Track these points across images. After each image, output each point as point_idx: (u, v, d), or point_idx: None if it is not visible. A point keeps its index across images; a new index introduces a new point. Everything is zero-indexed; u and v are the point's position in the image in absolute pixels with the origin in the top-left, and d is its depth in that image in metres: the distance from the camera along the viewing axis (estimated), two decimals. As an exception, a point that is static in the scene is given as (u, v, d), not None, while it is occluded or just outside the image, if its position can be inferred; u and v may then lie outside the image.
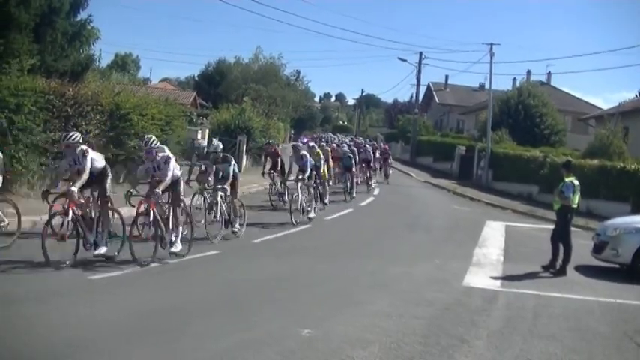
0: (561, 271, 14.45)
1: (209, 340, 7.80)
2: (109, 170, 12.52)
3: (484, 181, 38.78)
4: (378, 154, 37.81)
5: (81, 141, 11.91)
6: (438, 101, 76.41)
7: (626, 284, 13.93)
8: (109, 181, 12.42)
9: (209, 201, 15.67)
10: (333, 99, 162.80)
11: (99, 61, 36.90)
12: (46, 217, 11.74)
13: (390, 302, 10.56)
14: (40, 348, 7.14)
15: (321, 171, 21.84)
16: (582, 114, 51.99)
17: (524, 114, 48.53)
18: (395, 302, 10.59)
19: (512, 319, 10.15)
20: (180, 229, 13.05)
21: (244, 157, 33.60)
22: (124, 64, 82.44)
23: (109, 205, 12.41)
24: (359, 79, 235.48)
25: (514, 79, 62.49)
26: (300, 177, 19.29)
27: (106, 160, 18.05)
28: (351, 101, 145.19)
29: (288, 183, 21.29)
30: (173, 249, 12.57)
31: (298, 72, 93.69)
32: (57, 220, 11.40)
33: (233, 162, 16.54)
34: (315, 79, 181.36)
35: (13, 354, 6.93)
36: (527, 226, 23.40)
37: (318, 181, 21.28)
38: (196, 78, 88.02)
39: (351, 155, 27.94)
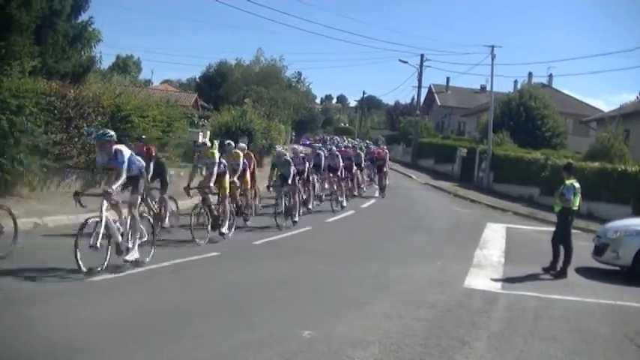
0: (562, 273, 14.44)
1: (209, 341, 7.81)
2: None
3: (485, 183, 38.78)
4: (363, 160, 30.39)
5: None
6: (439, 103, 76.37)
7: (627, 286, 13.91)
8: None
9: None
10: (334, 101, 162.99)
11: (100, 63, 36.91)
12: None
13: (391, 304, 10.56)
14: (40, 349, 7.14)
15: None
16: (583, 116, 51.97)
17: (526, 116, 48.50)
18: (396, 304, 10.58)
19: (512, 320, 10.14)
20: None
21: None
22: (125, 66, 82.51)
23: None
24: (360, 80, 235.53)
25: (515, 81, 62.68)
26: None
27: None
28: (352, 103, 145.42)
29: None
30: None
31: (299, 74, 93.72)
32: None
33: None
34: (316, 81, 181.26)
35: (13, 354, 6.94)
36: (528, 228, 23.38)
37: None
38: (197, 80, 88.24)
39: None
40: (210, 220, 15.40)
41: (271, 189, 19.56)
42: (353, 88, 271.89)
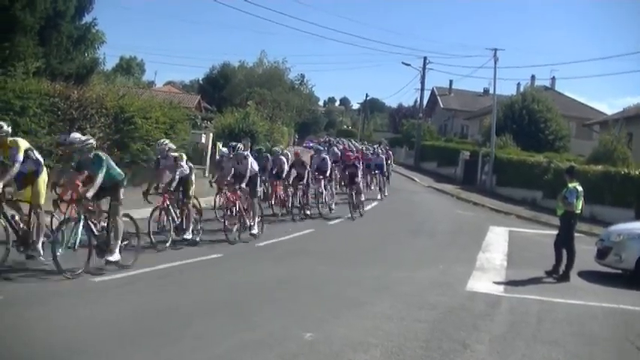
0: (564, 277, 14.42)
1: (209, 343, 7.81)
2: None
3: (488, 186, 38.73)
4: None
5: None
6: (442, 106, 76.32)
7: (630, 290, 13.88)
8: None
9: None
10: (337, 103, 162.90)
11: (104, 64, 37.06)
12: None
13: (393, 306, 10.56)
14: (39, 350, 7.15)
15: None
16: (587, 119, 51.95)
17: (529, 119, 48.46)
18: (397, 306, 10.58)
19: (515, 324, 10.13)
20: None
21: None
22: (128, 67, 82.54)
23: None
24: (363, 83, 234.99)
25: (518, 84, 62.73)
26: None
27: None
28: (355, 105, 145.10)
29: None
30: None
31: (302, 76, 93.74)
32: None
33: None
34: (319, 84, 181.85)
35: (13, 355, 6.94)
36: (531, 232, 23.36)
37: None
38: (201, 82, 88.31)
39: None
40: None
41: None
42: (356, 91, 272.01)
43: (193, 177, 15.50)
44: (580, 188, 14.86)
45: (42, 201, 11.31)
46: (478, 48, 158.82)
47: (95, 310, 8.86)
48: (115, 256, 11.23)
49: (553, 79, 64.33)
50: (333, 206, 23.09)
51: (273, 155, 22.34)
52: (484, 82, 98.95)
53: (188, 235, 14.71)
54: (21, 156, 10.72)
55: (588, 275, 15.21)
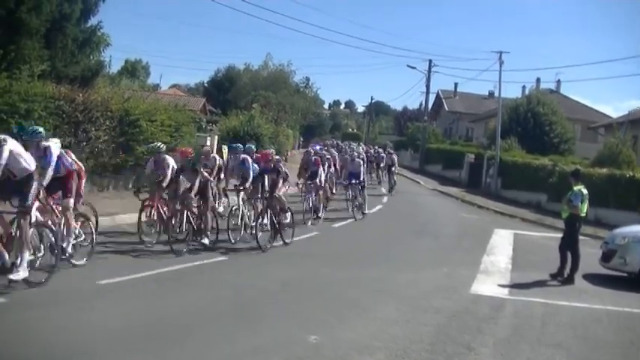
0: (569, 280, 14.42)
1: (214, 347, 7.82)
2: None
3: (493, 188, 38.71)
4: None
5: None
6: (447, 109, 76.29)
7: (634, 293, 13.85)
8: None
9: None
10: (342, 106, 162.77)
11: (109, 67, 37.17)
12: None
13: (398, 309, 10.56)
14: (42, 352, 7.17)
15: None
16: (592, 122, 51.89)
17: (534, 122, 48.41)
18: (402, 309, 10.59)
19: (519, 327, 10.14)
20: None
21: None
22: (133, 70, 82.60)
23: None
24: (368, 86, 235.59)
25: (523, 87, 62.58)
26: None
27: (115, 165, 18.25)
28: (360, 108, 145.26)
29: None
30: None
31: (308, 79, 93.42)
32: None
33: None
34: (324, 87, 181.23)
35: (15, 356, 6.95)
36: (536, 235, 23.34)
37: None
38: (206, 84, 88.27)
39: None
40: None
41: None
42: (361, 94, 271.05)
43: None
44: (585, 191, 14.85)
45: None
46: (483, 51, 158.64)
47: (99, 312, 8.87)
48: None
49: (558, 81, 64.26)
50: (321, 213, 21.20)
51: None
52: (489, 84, 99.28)
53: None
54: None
55: (593, 278, 15.21)
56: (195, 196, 14.77)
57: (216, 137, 32.04)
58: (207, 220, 14.85)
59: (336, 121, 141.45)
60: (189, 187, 14.59)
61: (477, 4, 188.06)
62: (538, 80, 62.35)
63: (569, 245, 14.76)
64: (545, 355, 8.69)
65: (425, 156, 60.16)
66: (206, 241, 14.53)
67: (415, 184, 44.26)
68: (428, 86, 64.23)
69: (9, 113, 16.37)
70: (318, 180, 20.51)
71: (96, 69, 29.65)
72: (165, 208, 14.64)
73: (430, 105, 69.64)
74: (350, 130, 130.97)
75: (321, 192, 21.45)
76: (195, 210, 14.84)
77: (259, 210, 16.16)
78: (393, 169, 36.25)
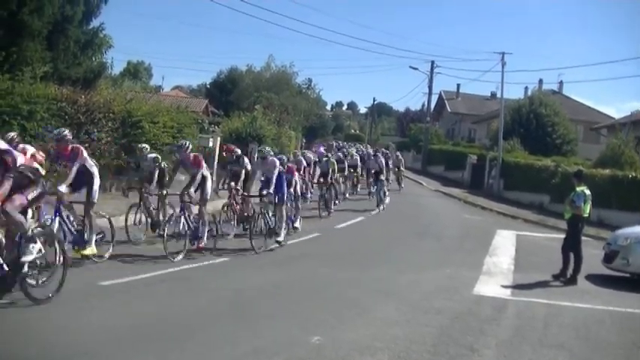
0: (572, 281, 14.41)
1: (215, 349, 7.81)
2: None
3: (495, 190, 38.67)
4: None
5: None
6: (449, 110, 76.19)
7: (637, 294, 13.82)
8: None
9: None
10: (344, 107, 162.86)
11: (111, 68, 37.21)
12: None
13: (400, 310, 10.55)
14: (42, 352, 7.16)
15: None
16: (594, 123, 51.82)
17: (536, 123, 48.33)
18: (404, 310, 10.58)
19: (521, 328, 10.12)
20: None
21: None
22: (136, 71, 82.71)
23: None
24: (370, 87, 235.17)
25: (526, 88, 62.50)
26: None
27: (117, 166, 18.32)
28: (362, 110, 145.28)
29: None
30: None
31: (310, 80, 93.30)
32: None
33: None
34: (326, 88, 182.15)
35: (15, 357, 6.94)
36: (538, 236, 23.32)
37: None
38: (208, 86, 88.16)
39: None
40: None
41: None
42: (363, 95, 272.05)
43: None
44: (588, 192, 14.84)
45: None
46: (485, 52, 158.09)
47: (99, 313, 8.88)
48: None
49: (561, 82, 64.09)
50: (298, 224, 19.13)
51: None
52: (491, 85, 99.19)
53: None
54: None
55: (595, 279, 15.19)
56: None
57: (219, 139, 32.02)
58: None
59: (339, 122, 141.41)
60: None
61: (479, 4, 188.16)
62: (540, 81, 62.38)
63: (571, 246, 14.75)
64: (547, 356, 8.67)
65: (427, 157, 60.17)
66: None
67: (418, 185, 44.26)
68: (430, 87, 64.31)
69: (11, 115, 16.43)
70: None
71: (98, 70, 29.72)
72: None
73: (432, 106, 69.56)
74: (352, 131, 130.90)
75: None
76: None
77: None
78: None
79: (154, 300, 10.12)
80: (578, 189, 14.84)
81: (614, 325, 10.93)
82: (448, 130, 76.33)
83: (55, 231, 10.70)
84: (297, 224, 18.77)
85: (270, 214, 15.86)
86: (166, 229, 13.38)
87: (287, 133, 48.48)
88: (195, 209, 14.49)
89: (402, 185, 38.29)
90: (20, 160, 8.75)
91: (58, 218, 11.23)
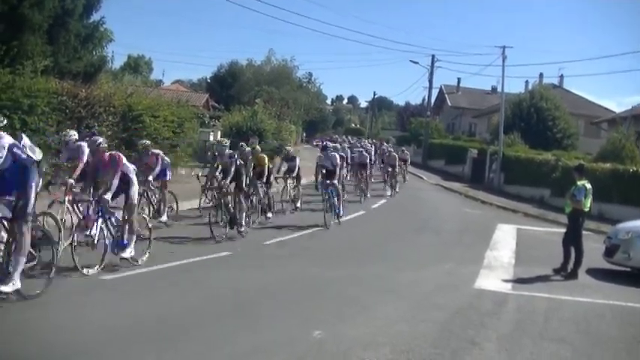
0: (572, 275, 14.40)
1: (217, 345, 7.81)
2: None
3: (496, 184, 38.70)
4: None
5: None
6: (450, 104, 76.14)
7: (638, 288, 13.83)
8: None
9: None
10: (345, 101, 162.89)
11: (111, 62, 37.24)
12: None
13: (401, 305, 10.55)
14: (41, 350, 7.15)
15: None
16: (595, 117, 51.80)
17: (537, 117, 48.33)
18: (405, 305, 10.58)
19: (522, 322, 10.12)
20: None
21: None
22: (136, 66, 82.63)
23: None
24: (371, 81, 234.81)
25: (526, 82, 62.37)
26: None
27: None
28: (363, 104, 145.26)
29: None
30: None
31: (310, 74, 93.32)
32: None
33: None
34: (327, 82, 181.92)
35: (16, 354, 6.94)
36: (539, 230, 23.31)
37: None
38: (209, 80, 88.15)
39: None
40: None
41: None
42: (364, 89, 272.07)
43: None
44: (589, 186, 14.83)
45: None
46: (486, 46, 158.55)
47: (102, 309, 8.87)
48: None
49: (561, 77, 64.10)
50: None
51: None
52: (492, 80, 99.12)
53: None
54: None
55: (596, 273, 15.18)
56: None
57: (219, 133, 32.05)
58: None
59: (339, 116, 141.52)
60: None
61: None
62: (541, 75, 62.42)
63: (572, 240, 14.74)
64: (548, 350, 8.68)
65: (428, 151, 60.18)
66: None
67: (418, 180, 44.24)
68: (431, 81, 64.22)
69: (12, 109, 16.40)
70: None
71: (99, 65, 29.73)
72: None
73: (433, 100, 69.49)
74: (353, 125, 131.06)
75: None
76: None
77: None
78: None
79: (153, 296, 10.11)
80: (579, 183, 14.83)
81: (614, 320, 10.93)
82: (449, 125, 76.30)
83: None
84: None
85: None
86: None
87: (287, 127, 48.48)
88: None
89: (405, 181, 37.53)
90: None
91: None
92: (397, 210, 26.09)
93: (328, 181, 19.18)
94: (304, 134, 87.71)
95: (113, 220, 11.63)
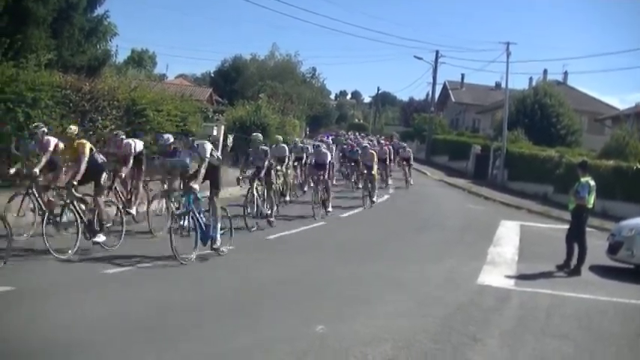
0: (576, 271, 14.39)
1: (220, 339, 7.81)
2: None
3: (499, 180, 38.69)
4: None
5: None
6: (453, 100, 76.06)
7: (641, 285, 13.86)
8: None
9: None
10: (348, 97, 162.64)
11: (115, 56, 37.04)
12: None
13: (403, 301, 10.55)
14: (47, 342, 7.13)
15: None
16: (599, 114, 51.78)
17: (541, 114, 48.29)
18: (408, 301, 10.58)
19: (525, 318, 10.12)
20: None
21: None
22: (140, 60, 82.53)
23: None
24: (375, 76, 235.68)
25: (530, 79, 62.39)
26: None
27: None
28: (366, 99, 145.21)
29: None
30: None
31: (314, 69, 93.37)
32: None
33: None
34: (330, 77, 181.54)
35: (18, 348, 6.94)
36: (542, 226, 23.31)
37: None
38: (212, 74, 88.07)
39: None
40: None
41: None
42: (367, 84, 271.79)
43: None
44: (592, 183, 14.81)
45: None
46: (490, 42, 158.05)
47: (107, 303, 8.90)
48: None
49: (565, 73, 64.01)
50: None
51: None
52: (496, 76, 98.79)
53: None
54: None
55: (599, 270, 15.17)
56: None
57: (223, 127, 32.02)
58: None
59: (343, 111, 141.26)
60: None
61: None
62: (545, 72, 62.18)
63: (575, 237, 14.73)
64: (551, 346, 8.68)
65: (431, 147, 60.20)
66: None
67: (422, 175, 44.21)
68: (434, 77, 64.27)
69: (16, 102, 16.41)
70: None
71: (102, 58, 29.70)
72: None
73: (437, 96, 69.54)
74: (356, 120, 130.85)
75: None
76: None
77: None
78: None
79: (155, 290, 10.12)
80: (582, 180, 14.80)
81: (617, 316, 10.93)
82: (452, 120, 76.23)
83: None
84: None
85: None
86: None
87: (291, 122, 48.41)
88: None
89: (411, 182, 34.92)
90: None
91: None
92: (402, 206, 26.07)
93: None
94: (308, 129, 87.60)
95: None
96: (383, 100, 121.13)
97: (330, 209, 20.80)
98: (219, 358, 7.25)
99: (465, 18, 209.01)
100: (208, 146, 12.65)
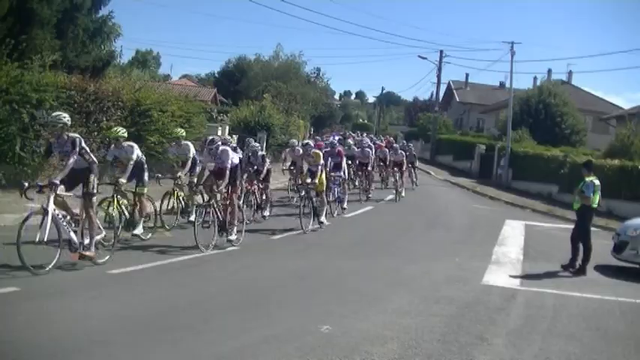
0: (581, 271, 14.38)
1: (228, 337, 7.81)
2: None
3: (504, 180, 38.64)
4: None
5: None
6: (458, 100, 75.97)
7: (646, 285, 13.84)
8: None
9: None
10: (353, 97, 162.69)
11: (120, 57, 37.17)
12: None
13: (409, 300, 10.55)
14: (58, 341, 7.11)
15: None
16: (603, 114, 51.65)
17: (545, 113, 48.21)
18: (414, 300, 10.57)
19: (531, 318, 10.11)
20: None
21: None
22: (144, 60, 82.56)
23: None
24: (379, 76, 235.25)
25: (535, 78, 62.37)
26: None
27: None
28: (371, 99, 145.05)
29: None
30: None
31: (318, 69, 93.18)
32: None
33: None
34: (335, 77, 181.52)
35: (26, 348, 6.94)
36: (547, 226, 23.29)
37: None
38: (217, 75, 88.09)
39: None
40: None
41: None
42: (372, 84, 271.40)
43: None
44: (597, 182, 14.79)
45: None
46: (495, 41, 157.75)
47: (114, 302, 8.89)
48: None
49: (570, 73, 64.09)
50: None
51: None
52: (500, 75, 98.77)
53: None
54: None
55: (605, 269, 15.17)
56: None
57: (227, 127, 32.06)
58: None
59: (347, 111, 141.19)
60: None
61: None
62: (549, 71, 62.27)
63: (581, 236, 14.72)
64: (557, 346, 8.66)
65: (436, 147, 60.18)
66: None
67: (426, 175, 44.15)
68: (439, 77, 64.22)
69: (21, 103, 16.44)
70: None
71: (107, 59, 29.75)
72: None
73: (441, 96, 69.41)
74: (360, 120, 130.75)
75: None
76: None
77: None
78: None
79: (163, 289, 10.13)
80: (587, 179, 14.79)
81: (623, 316, 10.92)
82: (457, 120, 76.18)
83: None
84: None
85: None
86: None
87: (295, 122, 48.40)
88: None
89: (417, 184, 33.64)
90: None
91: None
92: (407, 206, 26.01)
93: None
94: (312, 129, 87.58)
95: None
96: (387, 100, 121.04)
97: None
98: (227, 355, 7.24)
99: (470, 18, 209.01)
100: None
